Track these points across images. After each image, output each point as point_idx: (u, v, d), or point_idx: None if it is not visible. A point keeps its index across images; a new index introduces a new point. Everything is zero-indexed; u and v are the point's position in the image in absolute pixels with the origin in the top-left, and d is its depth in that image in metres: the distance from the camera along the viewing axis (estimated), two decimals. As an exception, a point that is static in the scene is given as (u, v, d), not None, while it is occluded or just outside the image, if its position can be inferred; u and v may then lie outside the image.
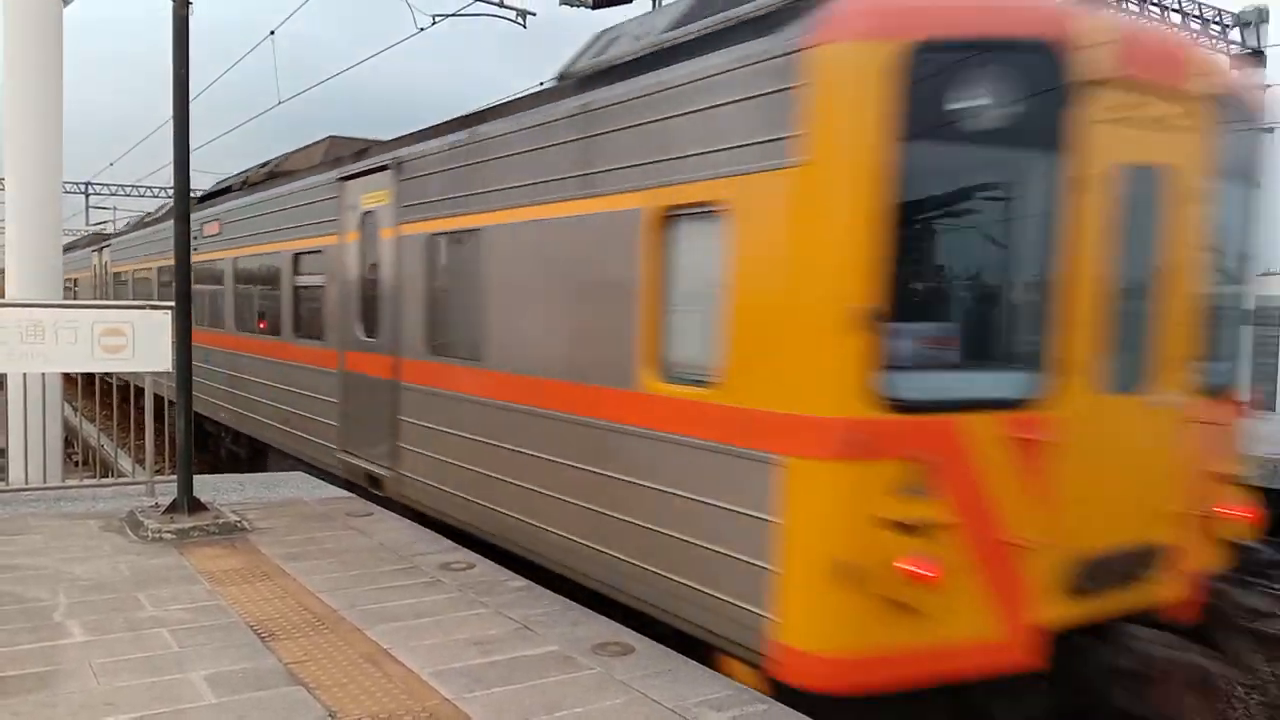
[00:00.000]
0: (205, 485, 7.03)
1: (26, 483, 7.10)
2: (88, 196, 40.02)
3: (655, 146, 4.56)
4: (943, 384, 4.05)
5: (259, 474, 8.86)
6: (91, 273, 19.85)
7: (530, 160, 5.45)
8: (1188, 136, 4.38)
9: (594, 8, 11.86)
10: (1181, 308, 4.47)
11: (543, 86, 6.57)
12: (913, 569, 3.69)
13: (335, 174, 7.86)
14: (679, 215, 4.46)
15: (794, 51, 3.86)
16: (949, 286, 4.37)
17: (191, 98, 5.99)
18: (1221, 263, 4.82)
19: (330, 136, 9.33)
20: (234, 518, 6.13)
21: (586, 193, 5.02)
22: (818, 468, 3.83)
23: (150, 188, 40.47)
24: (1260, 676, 5.73)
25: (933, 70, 3.77)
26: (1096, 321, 4.12)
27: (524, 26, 12.48)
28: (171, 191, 7.44)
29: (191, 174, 6.09)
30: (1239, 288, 5.03)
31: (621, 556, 4.71)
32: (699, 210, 4.32)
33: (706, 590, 4.21)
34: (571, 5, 11.60)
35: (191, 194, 6.24)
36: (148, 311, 6.55)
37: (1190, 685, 4.21)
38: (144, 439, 7.16)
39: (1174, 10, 17.05)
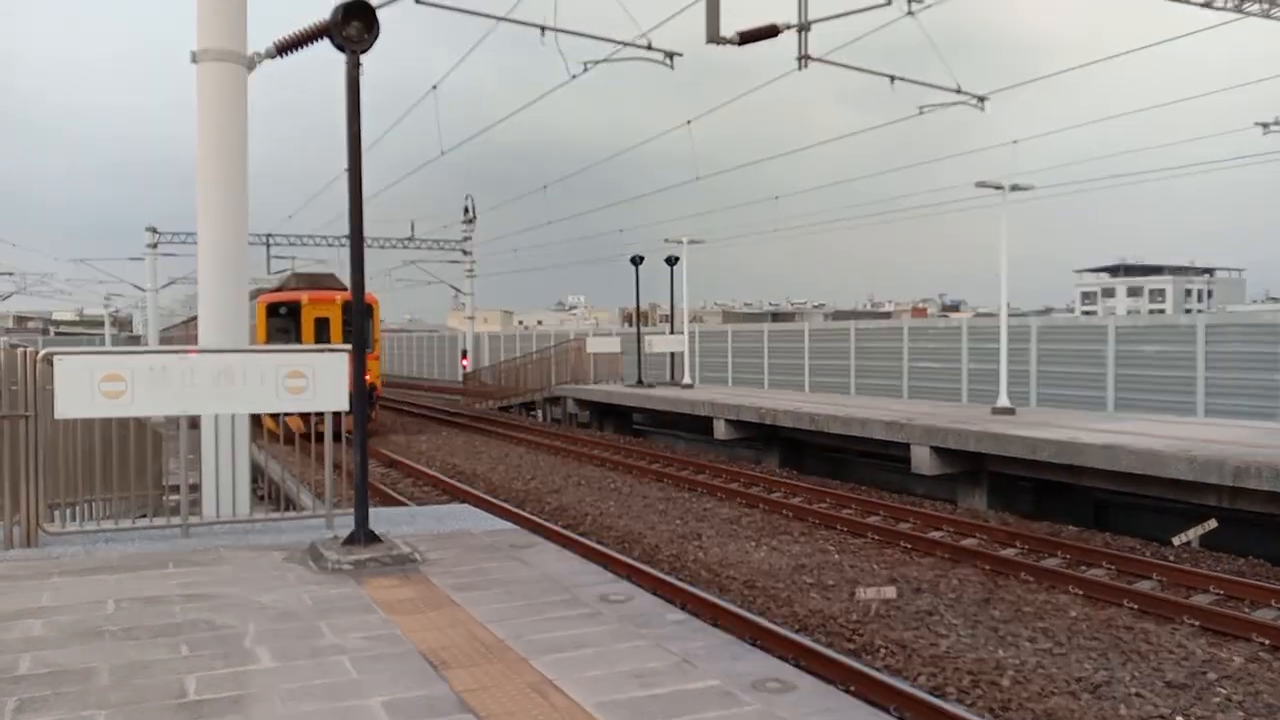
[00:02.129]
0: (379, 518, 7.37)
1: (218, 516, 7.59)
2: (269, 247, 42.78)
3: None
4: None
5: (428, 507, 9.22)
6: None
7: None
8: (334, 310, 24.13)
9: (740, 44, 11.94)
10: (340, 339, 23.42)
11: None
12: None
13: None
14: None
15: (255, 300, 22.61)
16: (283, 340, 23.20)
17: (364, 150, 6.37)
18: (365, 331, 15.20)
19: (257, 288, 25.31)
20: (406, 549, 6.39)
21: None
22: None
23: (325, 237, 42.96)
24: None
25: (275, 307, 24.10)
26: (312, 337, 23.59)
27: (671, 67, 12.70)
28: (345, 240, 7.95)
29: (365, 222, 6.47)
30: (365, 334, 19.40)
31: None
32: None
33: None
34: (718, 44, 11.72)
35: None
36: (326, 354, 6.93)
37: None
38: (323, 475, 7.58)
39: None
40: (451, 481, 17.55)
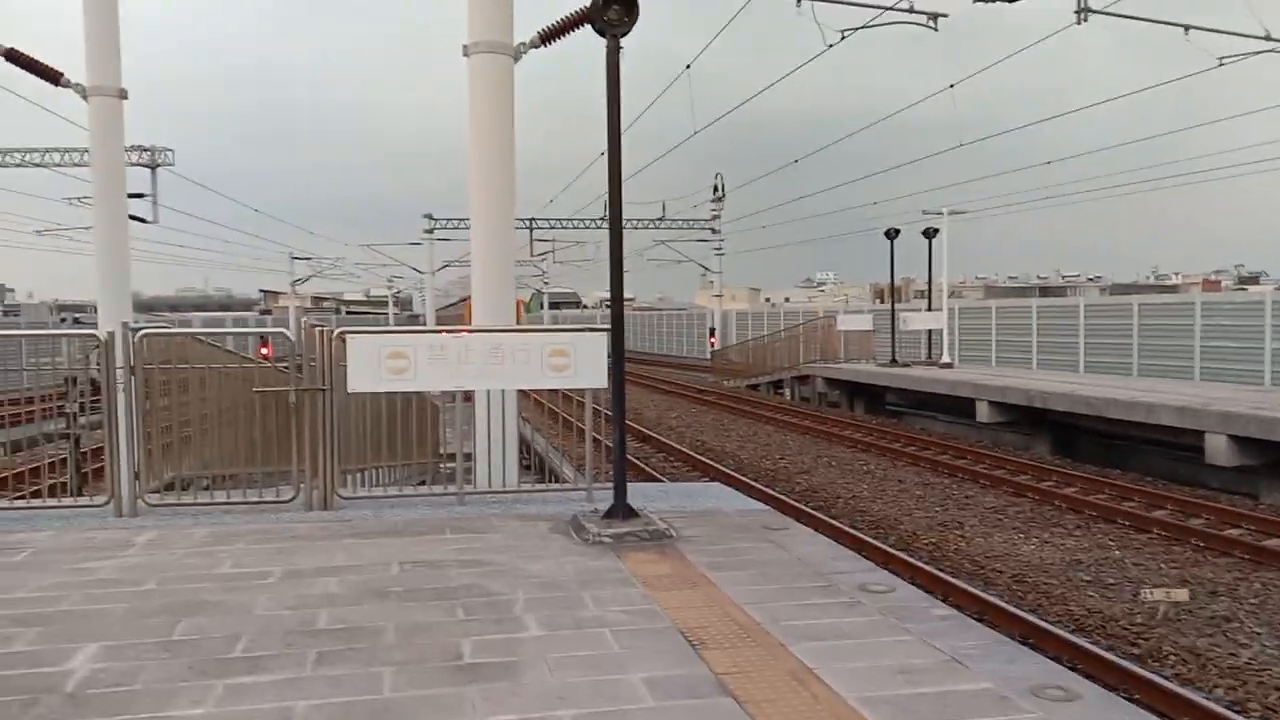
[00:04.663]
0: (634, 492, 7.49)
1: (489, 486, 8.01)
2: (531, 231, 44.93)
3: None
4: None
5: (680, 484, 9.33)
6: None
7: None
8: None
9: (1012, 0, 11.15)
10: None
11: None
12: None
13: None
14: None
15: None
16: None
17: (622, 131, 6.45)
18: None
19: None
20: (662, 525, 6.46)
21: None
22: None
23: (583, 220, 44.56)
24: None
25: None
26: None
27: (935, 29, 12.08)
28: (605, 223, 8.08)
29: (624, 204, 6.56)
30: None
31: None
32: None
33: None
34: (987, 1, 11.00)
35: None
36: (587, 334, 7.13)
37: None
38: (583, 448, 7.82)
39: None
40: (701, 458, 17.74)
